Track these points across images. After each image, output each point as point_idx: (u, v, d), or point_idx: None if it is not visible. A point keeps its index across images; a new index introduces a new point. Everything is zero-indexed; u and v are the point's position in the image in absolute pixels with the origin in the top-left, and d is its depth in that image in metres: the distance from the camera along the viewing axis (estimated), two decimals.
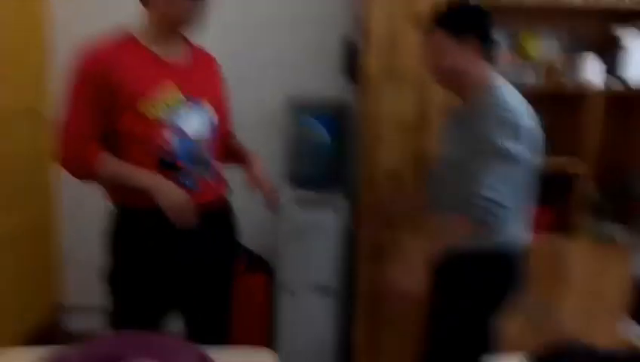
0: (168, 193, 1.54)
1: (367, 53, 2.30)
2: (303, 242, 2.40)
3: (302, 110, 2.53)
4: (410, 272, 1.59)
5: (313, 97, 2.60)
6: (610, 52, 2.38)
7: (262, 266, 2.66)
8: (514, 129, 1.58)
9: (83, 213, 2.73)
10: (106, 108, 1.55)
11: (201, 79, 1.70)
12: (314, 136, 2.49)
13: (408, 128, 2.33)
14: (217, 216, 1.75)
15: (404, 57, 2.27)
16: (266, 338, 2.58)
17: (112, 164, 1.58)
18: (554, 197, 2.54)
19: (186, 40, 1.71)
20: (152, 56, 1.61)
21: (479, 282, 1.71)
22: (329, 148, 2.52)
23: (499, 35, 2.35)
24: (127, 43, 1.60)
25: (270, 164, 1.85)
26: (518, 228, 1.72)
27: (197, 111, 1.64)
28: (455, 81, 1.72)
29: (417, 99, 2.31)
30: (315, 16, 2.70)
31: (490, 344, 1.79)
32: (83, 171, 1.60)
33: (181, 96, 1.61)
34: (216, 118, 1.70)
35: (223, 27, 2.38)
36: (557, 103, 2.50)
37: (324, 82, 2.70)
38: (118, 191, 1.64)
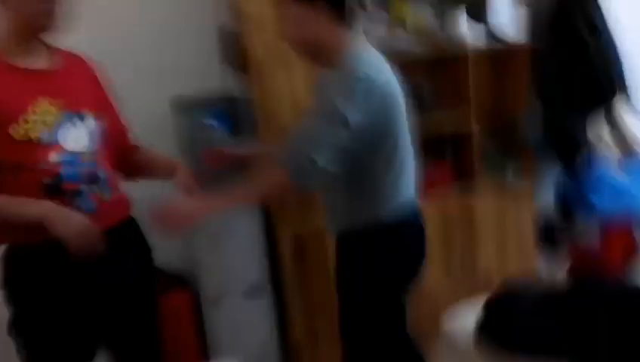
0: (65, 220, 1.35)
1: (250, 39, 2.21)
2: (221, 248, 2.27)
3: (191, 109, 2.36)
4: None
5: (200, 94, 2.44)
6: (478, 7, 2.49)
7: (181, 282, 2.48)
8: (362, 98, 1.51)
9: None
10: None
11: (77, 86, 1.52)
12: (209, 134, 2.35)
13: (304, 111, 2.27)
14: (125, 236, 1.59)
15: None
16: (201, 356, 2.42)
17: None
18: (452, 155, 2.64)
19: (50, 46, 1.50)
20: (14, 69, 1.40)
21: (370, 254, 1.68)
22: (228, 145, 2.38)
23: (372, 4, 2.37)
24: None
25: None
26: (397, 196, 1.67)
27: (79, 122, 1.46)
28: (312, 51, 1.62)
29: (310, 80, 2.26)
30: (187, 6, 2.50)
31: (398, 312, 1.78)
32: None
33: (57, 110, 1.42)
34: (103, 126, 1.53)
35: (89, 27, 2.12)
36: (437, 65, 2.58)
37: (208, 76, 2.51)
38: (5, 229, 1.42)
